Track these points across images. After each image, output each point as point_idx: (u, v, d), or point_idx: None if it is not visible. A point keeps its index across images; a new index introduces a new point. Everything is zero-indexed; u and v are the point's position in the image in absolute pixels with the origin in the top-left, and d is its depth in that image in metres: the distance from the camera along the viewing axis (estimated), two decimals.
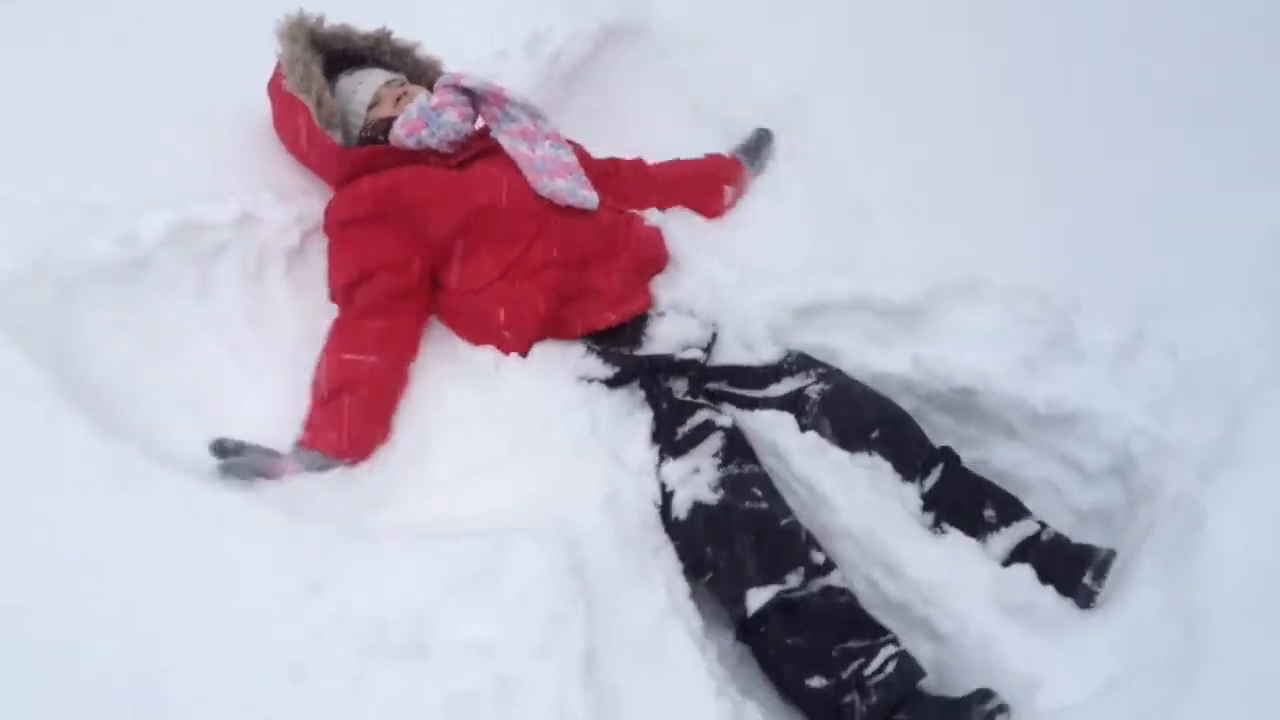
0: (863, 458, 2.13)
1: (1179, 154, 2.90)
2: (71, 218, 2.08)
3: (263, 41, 2.41)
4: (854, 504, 2.05)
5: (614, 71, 3.13)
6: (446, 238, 2.26)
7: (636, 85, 3.17)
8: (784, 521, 2.00)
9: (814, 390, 2.21)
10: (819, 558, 1.95)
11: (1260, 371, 2.29)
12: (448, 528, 1.79)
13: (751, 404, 2.25)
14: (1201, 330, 2.36)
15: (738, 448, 2.12)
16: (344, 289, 2.22)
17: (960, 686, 1.87)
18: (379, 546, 1.72)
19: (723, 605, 1.98)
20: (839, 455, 2.14)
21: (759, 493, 2.03)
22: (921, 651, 1.93)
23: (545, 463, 1.98)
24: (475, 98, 2.41)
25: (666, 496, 2.06)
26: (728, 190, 2.83)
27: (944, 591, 1.95)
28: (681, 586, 1.96)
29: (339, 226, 2.28)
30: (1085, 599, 1.94)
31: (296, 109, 2.35)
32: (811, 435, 2.15)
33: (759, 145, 2.99)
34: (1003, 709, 1.76)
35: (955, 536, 2.05)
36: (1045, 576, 1.96)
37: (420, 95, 2.41)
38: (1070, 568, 1.97)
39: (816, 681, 1.82)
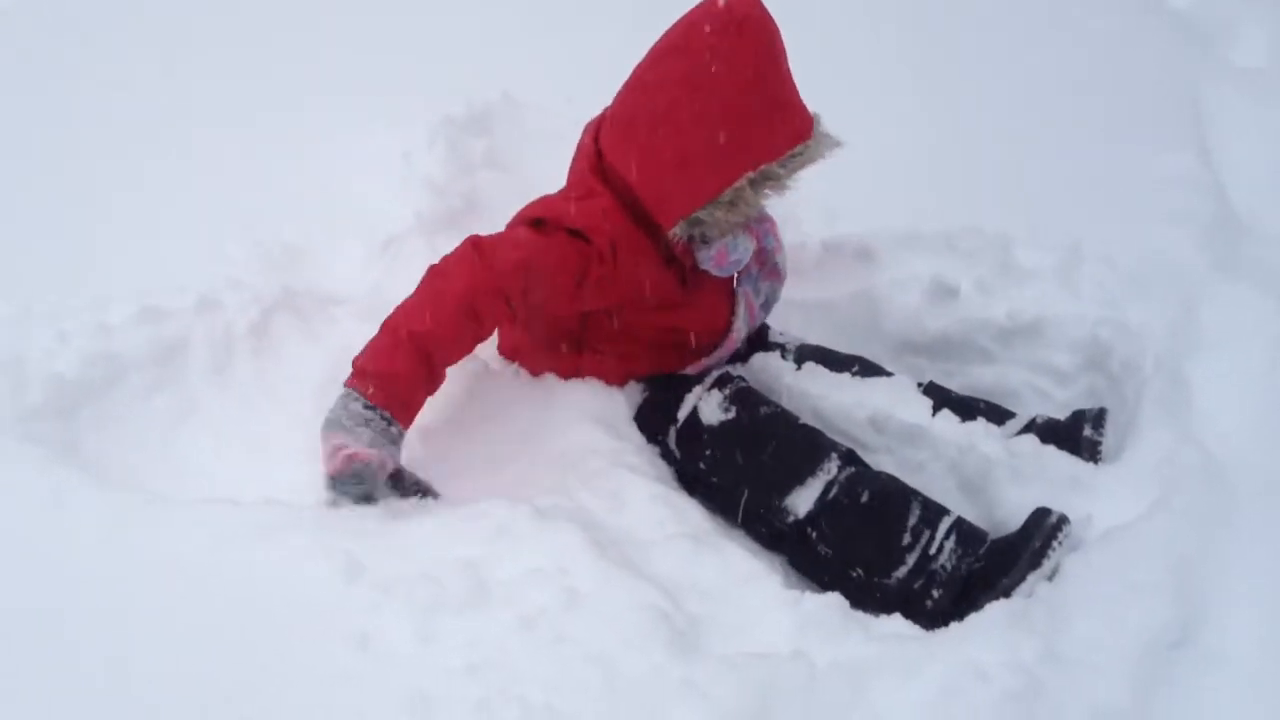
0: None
1: (1087, 113, 3.25)
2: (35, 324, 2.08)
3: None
4: (862, 399, 2.11)
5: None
6: None
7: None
8: (800, 420, 2.03)
9: (790, 348, 2.30)
10: (844, 445, 1.97)
11: (1199, 268, 2.48)
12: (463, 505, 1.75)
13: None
14: (1133, 242, 2.53)
15: (728, 376, 2.14)
16: None
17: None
18: (409, 522, 1.68)
19: (763, 519, 1.95)
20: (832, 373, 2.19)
21: (766, 400, 2.07)
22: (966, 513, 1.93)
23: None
24: None
25: (681, 432, 2.06)
26: None
27: (970, 453, 1.99)
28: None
29: None
30: (1091, 451, 1.99)
31: None
32: (807, 365, 2.21)
33: None
34: (1064, 519, 1.77)
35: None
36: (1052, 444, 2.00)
37: None
38: (1070, 431, 2.03)
39: (890, 578, 1.79)
